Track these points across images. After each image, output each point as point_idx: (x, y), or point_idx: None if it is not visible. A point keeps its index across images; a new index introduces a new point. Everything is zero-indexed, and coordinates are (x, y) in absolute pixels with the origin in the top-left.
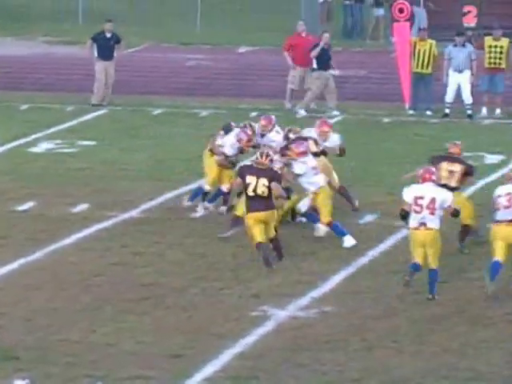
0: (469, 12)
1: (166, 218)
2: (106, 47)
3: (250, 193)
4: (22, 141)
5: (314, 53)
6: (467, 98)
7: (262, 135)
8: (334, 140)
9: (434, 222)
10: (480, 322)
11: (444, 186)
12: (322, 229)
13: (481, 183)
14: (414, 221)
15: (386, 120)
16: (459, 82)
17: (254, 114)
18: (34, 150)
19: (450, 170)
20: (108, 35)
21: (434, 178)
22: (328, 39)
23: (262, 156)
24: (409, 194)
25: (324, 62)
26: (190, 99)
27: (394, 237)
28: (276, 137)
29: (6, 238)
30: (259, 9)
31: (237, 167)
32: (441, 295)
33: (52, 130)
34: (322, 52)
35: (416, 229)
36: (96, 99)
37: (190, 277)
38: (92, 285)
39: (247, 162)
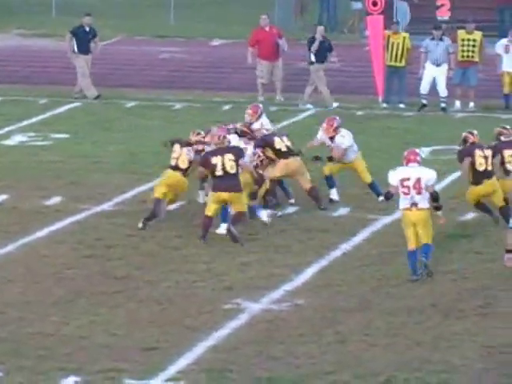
0: (442, 5)
1: (138, 210)
2: (85, 41)
3: (219, 172)
4: None
5: (314, 47)
6: (442, 91)
7: (250, 124)
8: (339, 142)
9: (423, 202)
10: (453, 315)
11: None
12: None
13: (454, 176)
14: (404, 202)
15: (359, 113)
16: (435, 75)
17: (227, 107)
18: (7, 142)
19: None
20: (87, 29)
21: (418, 158)
22: (323, 31)
23: (215, 137)
24: (394, 176)
25: (321, 54)
26: (163, 92)
27: (367, 230)
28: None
29: None
30: (233, 1)
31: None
32: (414, 288)
33: (25, 122)
34: (320, 45)
35: (408, 209)
36: (79, 92)
37: (164, 269)
38: (65, 278)
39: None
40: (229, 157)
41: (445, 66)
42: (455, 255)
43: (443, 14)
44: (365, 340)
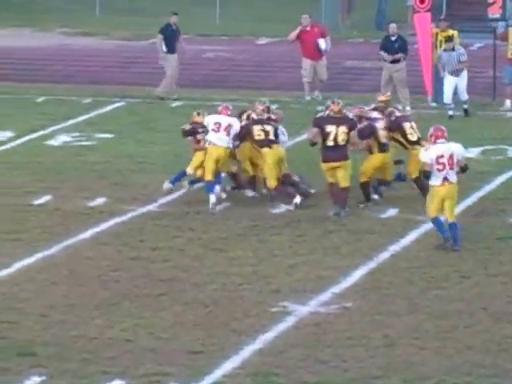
0: (494, 3)
1: (184, 212)
2: (173, 40)
3: (330, 142)
4: (39, 133)
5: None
6: (463, 95)
7: None
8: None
9: (454, 176)
10: (504, 318)
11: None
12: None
13: (504, 177)
14: (437, 179)
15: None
16: (456, 83)
17: (273, 106)
18: (51, 142)
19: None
20: (174, 28)
21: (445, 134)
22: (395, 29)
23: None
24: (429, 155)
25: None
26: (208, 91)
27: (415, 231)
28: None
29: (23, 232)
30: None
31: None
32: (464, 291)
33: (69, 122)
34: (391, 43)
35: (440, 185)
36: (163, 93)
37: (209, 272)
38: (109, 280)
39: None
40: (343, 129)
41: (463, 74)
42: (505, 257)
43: (495, 12)
44: (414, 343)
